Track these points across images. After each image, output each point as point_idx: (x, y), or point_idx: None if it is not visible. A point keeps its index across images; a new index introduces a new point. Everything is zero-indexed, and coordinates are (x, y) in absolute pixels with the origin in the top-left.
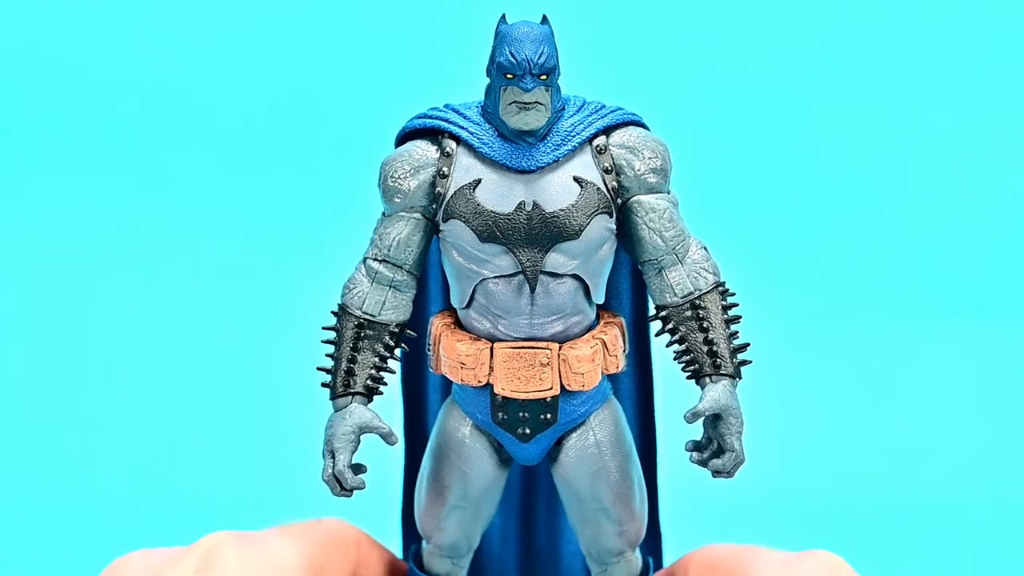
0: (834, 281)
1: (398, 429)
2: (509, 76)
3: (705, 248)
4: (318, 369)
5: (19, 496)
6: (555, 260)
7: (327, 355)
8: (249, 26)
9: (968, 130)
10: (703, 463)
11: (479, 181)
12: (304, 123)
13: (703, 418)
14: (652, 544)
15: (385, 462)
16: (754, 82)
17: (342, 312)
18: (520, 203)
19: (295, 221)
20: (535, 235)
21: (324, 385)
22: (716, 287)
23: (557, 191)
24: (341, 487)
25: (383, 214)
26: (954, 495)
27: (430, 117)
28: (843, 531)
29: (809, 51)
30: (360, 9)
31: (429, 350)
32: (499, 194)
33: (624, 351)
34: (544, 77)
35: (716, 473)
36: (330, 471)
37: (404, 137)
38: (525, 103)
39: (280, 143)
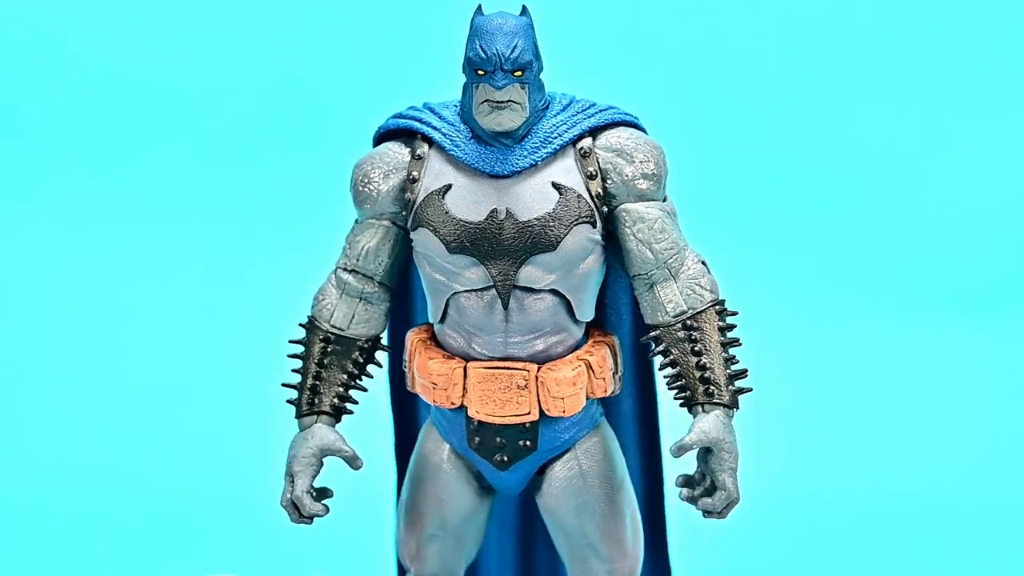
0: (844, 292)
1: (390, 448)
2: (480, 72)
3: (704, 263)
4: (283, 385)
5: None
6: (530, 274)
7: (293, 370)
8: (239, 23)
9: (968, 130)
10: (692, 501)
11: (449, 187)
12: (295, 120)
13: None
14: None
15: (379, 484)
16: (754, 81)
17: (310, 325)
18: (492, 211)
19: (277, 222)
20: (508, 246)
21: (290, 402)
22: (713, 306)
23: (533, 198)
24: (300, 514)
25: (355, 220)
26: (970, 505)
27: (404, 117)
28: (861, 558)
29: (811, 48)
30: (351, 5)
31: (405, 367)
32: (470, 201)
33: (616, 373)
34: (518, 73)
35: (707, 513)
36: (288, 496)
37: (380, 138)
38: (497, 102)
39: (272, 140)
